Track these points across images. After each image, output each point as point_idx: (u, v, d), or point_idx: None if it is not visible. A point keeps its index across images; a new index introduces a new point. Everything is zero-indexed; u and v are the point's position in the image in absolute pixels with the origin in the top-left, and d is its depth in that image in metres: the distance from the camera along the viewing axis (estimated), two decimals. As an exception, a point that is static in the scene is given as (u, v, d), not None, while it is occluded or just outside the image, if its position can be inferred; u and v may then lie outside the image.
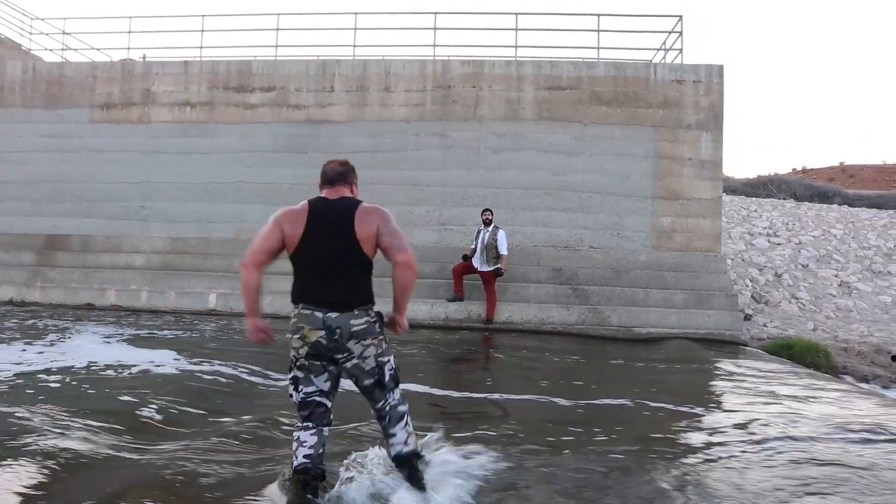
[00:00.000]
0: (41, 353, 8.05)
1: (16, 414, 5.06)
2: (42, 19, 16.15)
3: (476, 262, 11.57)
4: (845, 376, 10.03)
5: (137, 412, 5.45)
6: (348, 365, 3.58)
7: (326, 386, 3.64)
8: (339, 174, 3.83)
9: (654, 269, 12.77)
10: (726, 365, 9.08)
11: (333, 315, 3.53)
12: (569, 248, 13.05)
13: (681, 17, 13.60)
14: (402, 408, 3.75)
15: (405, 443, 3.69)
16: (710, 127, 13.03)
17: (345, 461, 3.88)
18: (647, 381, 7.63)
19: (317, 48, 14.81)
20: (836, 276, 15.72)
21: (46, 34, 16.33)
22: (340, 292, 3.60)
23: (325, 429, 3.66)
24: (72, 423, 4.92)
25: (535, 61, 13.44)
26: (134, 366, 7.28)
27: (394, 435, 3.69)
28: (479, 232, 11.70)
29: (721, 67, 13.10)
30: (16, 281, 13.64)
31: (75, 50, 16.50)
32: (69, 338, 9.20)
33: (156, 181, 14.19)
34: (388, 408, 3.69)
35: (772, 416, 5.72)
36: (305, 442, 3.56)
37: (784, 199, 26.13)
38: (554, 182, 13.15)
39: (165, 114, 14.33)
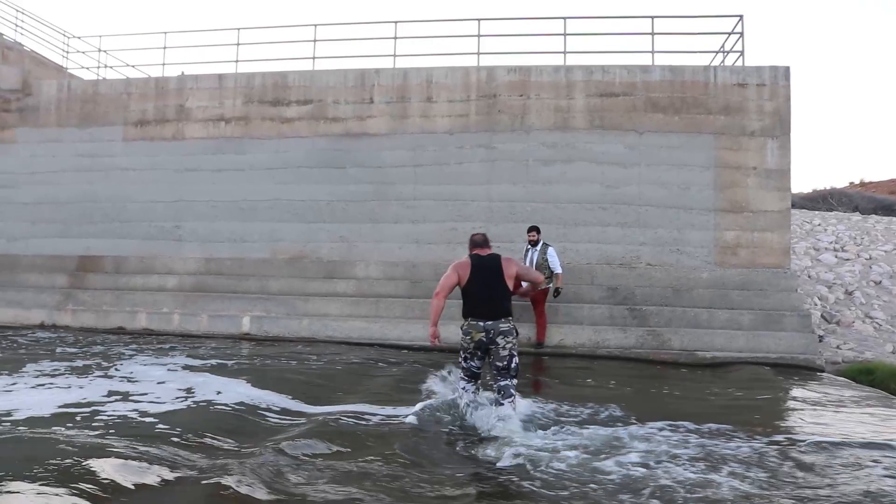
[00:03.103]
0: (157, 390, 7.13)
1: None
2: (79, 37, 15.88)
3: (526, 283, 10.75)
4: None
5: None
6: (493, 350, 5.92)
7: (480, 363, 6.11)
8: (485, 241, 6.40)
9: (717, 287, 11.81)
10: (810, 393, 8.11)
11: (490, 323, 5.91)
12: (625, 266, 12.16)
13: (741, 17, 12.69)
14: (513, 390, 5.96)
15: (508, 409, 5.81)
16: (775, 133, 12.07)
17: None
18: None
19: (355, 59, 14.23)
20: (912, 293, 14.53)
21: (83, 52, 16.05)
22: (494, 310, 5.97)
23: (478, 383, 6.30)
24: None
25: (586, 67, 12.62)
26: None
27: (502, 405, 5.86)
28: (527, 251, 10.91)
29: (787, 69, 12.15)
30: (47, 304, 13.24)
31: (111, 67, 16.22)
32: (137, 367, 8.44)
33: (189, 199, 13.69)
34: (505, 386, 5.91)
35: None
36: (469, 388, 6.20)
37: (845, 212, 24.83)
38: (608, 195, 12.29)
39: (199, 130, 13.84)
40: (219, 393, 6.95)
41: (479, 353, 6.00)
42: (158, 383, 7.49)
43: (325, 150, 13.24)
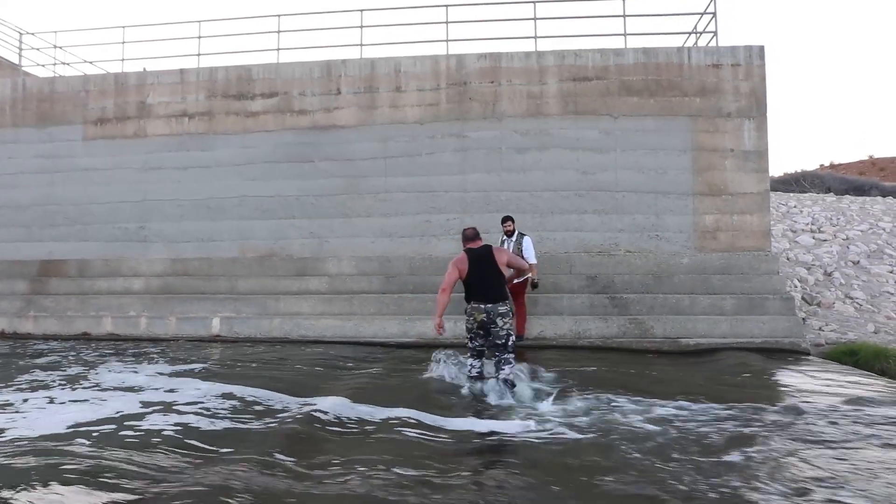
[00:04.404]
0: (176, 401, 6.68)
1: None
2: (33, 34, 15.28)
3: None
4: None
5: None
6: (493, 330, 6.84)
7: (483, 341, 6.98)
8: (476, 234, 7.32)
9: (698, 272, 11.61)
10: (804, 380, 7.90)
11: (490, 305, 6.85)
12: (603, 254, 11.90)
13: (714, -4, 12.47)
14: (511, 360, 6.94)
15: (507, 374, 6.88)
16: (752, 114, 11.86)
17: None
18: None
19: (321, 49, 13.83)
20: (891, 272, 14.42)
21: (38, 49, 15.47)
22: (492, 294, 6.91)
23: (483, 360, 7.14)
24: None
25: (558, 52, 12.31)
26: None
27: (502, 370, 6.89)
28: (502, 242, 10.58)
29: (762, 48, 11.94)
30: (7, 311, 12.74)
31: (68, 64, 15.64)
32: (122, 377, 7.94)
33: (154, 199, 13.22)
34: (503, 357, 6.89)
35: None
36: (475, 364, 7.12)
37: (818, 194, 24.83)
38: (584, 182, 12.02)
39: (162, 126, 13.37)
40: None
41: (482, 332, 6.93)
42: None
43: (293, 144, 12.83)
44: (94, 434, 5.33)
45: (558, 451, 4.96)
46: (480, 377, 7.08)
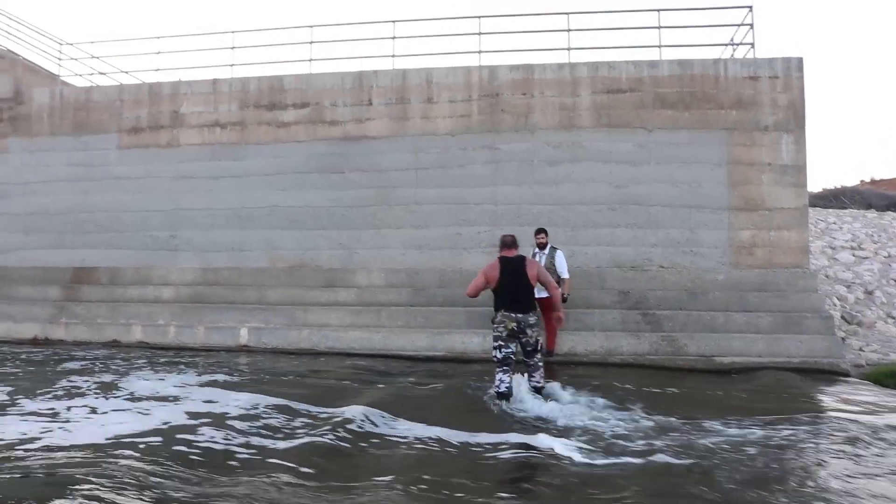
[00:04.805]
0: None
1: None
2: (72, 44, 15.50)
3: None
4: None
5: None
6: (523, 339, 7.18)
7: (514, 348, 7.21)
8: (514, 242, 7.47)
9: (734, 289, 11.32)
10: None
11: (520, 315, 7.13)
12: (636, 269, 11.68)
13: (751, 7, 12.24)
14: (540, 364, 7.40)
15: (538, 381, 7.39)
16: (790, 127, 11.58)
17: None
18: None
19: (353, 60, 13.83)
20: (935, 291, 13.99)
21: (76, 59, 15.69)
22: (523, 305, 7.18)
23: (511, 372, 7.24)
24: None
25: (591, 63, 12.16)
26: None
27: (533, 377, 7.39)
28: (534, 255, 10.41)
29: (800, 60, 11.67)
30: (40, 318, 12.85)
31: (105, 74, 15.84)
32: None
33: (185, 208, 13.29)
34: (533, 363, 7.34)
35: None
36: (504, 379, 7.16)
37: (858, 210, 24.27)
38: (617, 195, 11.83)
39: (195, 136, 13.44)
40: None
41: (512, 339, 7.18)
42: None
43: (324, 155, 12.82)
44: (141, 445, 5.31)
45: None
46: (509, 394, 7.15)
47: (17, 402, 7.10)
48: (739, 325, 10.76)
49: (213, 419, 6.26)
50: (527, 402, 7.10)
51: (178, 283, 13.01)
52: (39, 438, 5.55)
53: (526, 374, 7.48)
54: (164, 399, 7.31)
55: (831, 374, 9.82)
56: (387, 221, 12.49)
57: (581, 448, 5.50)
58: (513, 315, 7.12)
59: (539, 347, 7.34)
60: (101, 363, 10.00)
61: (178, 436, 5.60)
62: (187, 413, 6.57)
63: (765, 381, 9.00)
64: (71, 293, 13.26)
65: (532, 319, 7.20)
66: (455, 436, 5.91)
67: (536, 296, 10.20)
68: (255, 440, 5.63)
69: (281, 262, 12.80)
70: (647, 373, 9.79)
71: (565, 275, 10.21)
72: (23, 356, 10.63)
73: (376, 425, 6.17)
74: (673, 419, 6.62)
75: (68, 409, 6.76)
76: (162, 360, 10.46)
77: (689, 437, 5.91)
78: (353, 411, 6.43)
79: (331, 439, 5.59)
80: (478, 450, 5.53)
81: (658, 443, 5.71)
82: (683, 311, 11.07)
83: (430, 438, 5.85)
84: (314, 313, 11.95)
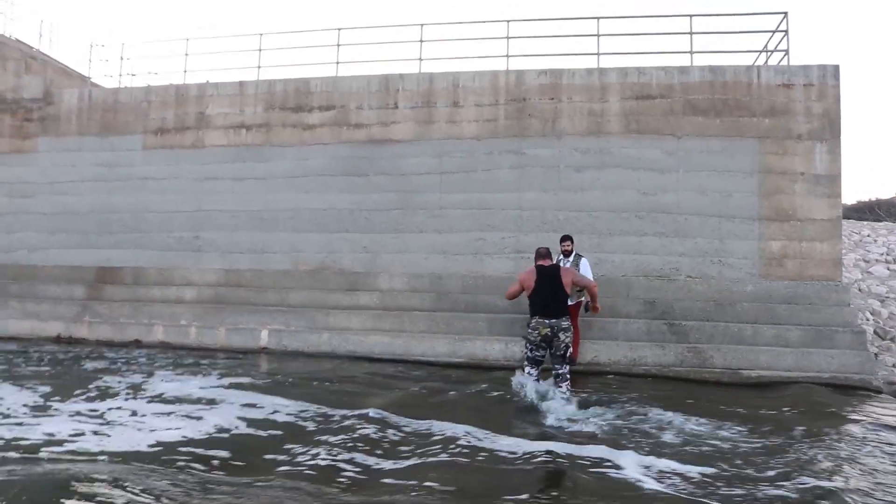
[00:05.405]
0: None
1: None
2: (102, 46, 15.61)
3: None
4: None
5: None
6: (555, 343, 7.55)
7: (543, 353, 7.71)
8: (548, 253, 8.02)
9: (763, 301, 11.04)
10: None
11: (554, 321, 7.55)
12: (663, 278, 11.45)
13: (786, 13, 11.96)
14: (567, 376, 7.73)
15: (564, 392, 7.62)
16: (824, 136, 11.29)
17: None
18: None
19: (379, 63, 13.76)
20: (972, 307, 13.57)
21: (106, 61, 15.79)
22: (556, 310, 7.59)
23: (540, 368, 7.83)
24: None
25: (620, 69, 11.97)
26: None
27: (559, 387, 7.66)
28: (559, 262, 10.23)
29: (836, 68, 11.37)
30: (64, 316, 12.91)
31: (133, 75, 15.91)
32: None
33: (209, 209, 13.29)
34: (561, 371, 7.68)
35: None
36: (533, 372, 7.83)
37: (894, 223, 23.73)
38: (644, 203, 11.61)
39: (220, 137, 13.45)
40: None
41: (544, 345, 7.67)
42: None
43: (348, 158, 12.74)
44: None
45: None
46: (538, 382, 7.86)
47: (53, 402, 7.11)
48: (768, 338, 10.49)
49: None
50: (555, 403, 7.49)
51: (201, 283, 12.99)
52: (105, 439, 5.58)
53: (553, 384, 7.81)
54: (212, 402, 7.32)
55: (863, 391, 9.53)
56: (410, 226, 12.38)
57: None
58: (546, 321, 7.59)
59: (567, 355, 7.71)
60: (132, 363, 10.13)
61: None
62: (241, 418, 6.63)
63: (795, 396, 8.75)
64: (95, 292, 13.30)
65: (565, 324, 7.64)
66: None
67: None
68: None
69: (303, 264, 12.73)
70: (671, 385, 9.59)
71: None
72: (50, 356, 10.71)
73: (479, 439, 6.11)
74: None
75: (115, 409, 6.81)
76: (188, 361, 10.51)
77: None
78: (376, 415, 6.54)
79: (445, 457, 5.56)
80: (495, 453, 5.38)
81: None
82: (710, 322, 10.81)
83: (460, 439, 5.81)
84: (335, 317, 11.86)
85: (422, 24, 13.02)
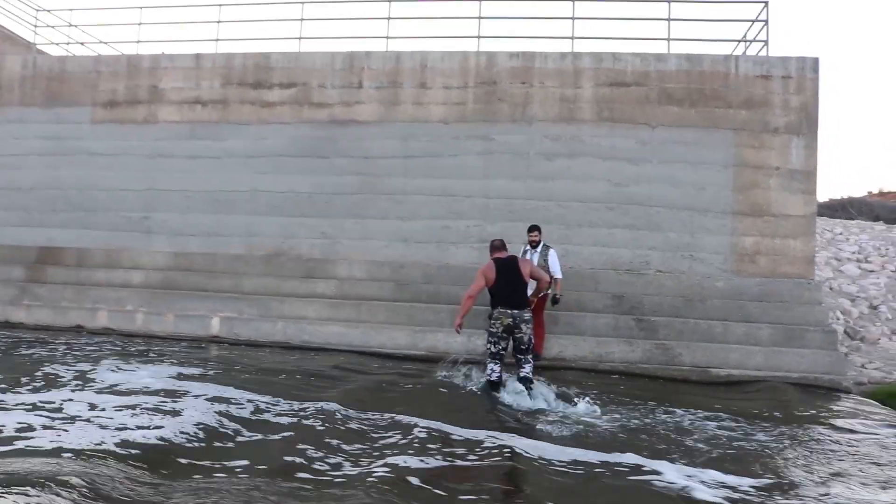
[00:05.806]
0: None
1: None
2: (48, 11, 14.74)
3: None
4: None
5: None
6: (518, 335, 7.56)
7: (506, 345, 7.64)
8: (503, 245, 8.10)
9: (734, 298, 10.75)
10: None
11: (516, 311, 7.56)
12: (632, 272, 11.08)
13: (766, 2, 11.61)
14: (530, 360, 7.70)
15: (527, 371, 7.63)
16: (801, 130, 10.99)
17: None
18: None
19: (344, 40, 13.14)
20: (941, 308, 13.46)
21: (53, 27, 14.94)
22: (517, 301, 7.62)
23: (503, 365, 7.72)
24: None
25: (595, 54, 11.52)
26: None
27: (522, 368, 7.64)
28: (524, 252, 9.80)
29: (816, 60, 11.07)
30: (1, 299, 12.12)
31: (82, 44, 15.09)
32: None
33: (160, 188, 12.58)
34: (524, 357, 7.62)
35: None
36: (496, 369, 7.69)
37: (866, 221, 23.78)
38: (615, 194, 11.21)
39: (173, 113, 12.73)
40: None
41: (506, 336, 7.60)
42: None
43: (309, 138, 12.13)
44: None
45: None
46: (500, 383, 7.71)
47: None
48: (738, 336, 10.22)
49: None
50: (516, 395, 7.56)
51: (150, 267, 12.31)
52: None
53: (516, 368, 7.79)
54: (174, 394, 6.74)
55: (832, 391, 9.37)
56: (372, 211, 11.83)
57: None
58: (508, 311, 7.55)
59: (530, 348, 7.66)
60: (75, 350, 9.41)
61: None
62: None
63: (767, 395, 8.52)
64: (35, 274, 12.53)
65: (527, 315, 7.64)
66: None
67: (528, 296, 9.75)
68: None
69: (259, 249, 12.12)
70: (640, 382, 9.29)
71: (558, 275, 9.63)
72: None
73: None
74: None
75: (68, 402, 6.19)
76: (133, 348, 9.85)
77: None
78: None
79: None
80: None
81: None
82: (680, 318, 10.50)
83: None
84: (291, 305, 11.30)
85: (390, 0, 12.44)
